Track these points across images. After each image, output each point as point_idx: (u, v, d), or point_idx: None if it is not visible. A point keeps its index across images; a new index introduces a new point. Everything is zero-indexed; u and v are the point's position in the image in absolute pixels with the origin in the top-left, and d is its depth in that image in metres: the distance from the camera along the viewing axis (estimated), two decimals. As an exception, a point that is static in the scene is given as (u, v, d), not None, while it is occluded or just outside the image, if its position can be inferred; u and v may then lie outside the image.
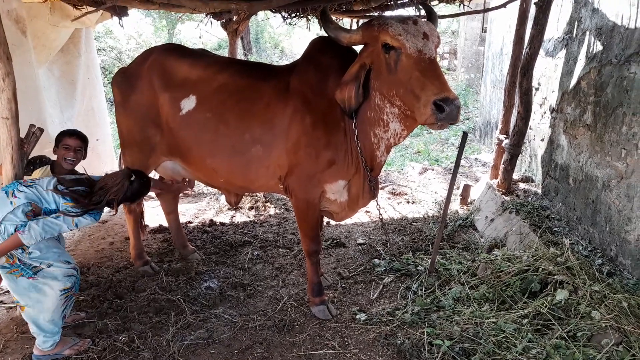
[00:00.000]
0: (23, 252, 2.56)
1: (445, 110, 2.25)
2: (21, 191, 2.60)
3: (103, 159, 5.12)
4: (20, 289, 2.60)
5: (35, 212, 2.60)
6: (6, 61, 2.52)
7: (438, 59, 2.52)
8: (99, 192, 2.71)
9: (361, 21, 3.41)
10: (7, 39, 2.51)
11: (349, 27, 4.23)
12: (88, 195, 2.70)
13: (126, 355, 2.79)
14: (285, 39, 18.25)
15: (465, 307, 3.15)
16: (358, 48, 2.77)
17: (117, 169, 4.44)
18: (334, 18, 4.46)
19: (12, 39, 2.67)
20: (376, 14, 4.37)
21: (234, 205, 3.68)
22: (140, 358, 2.77)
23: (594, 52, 3.95)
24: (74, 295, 2.82)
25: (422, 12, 3.07)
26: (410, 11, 4.29)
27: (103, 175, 2.90)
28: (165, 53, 3.30)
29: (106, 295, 3.43)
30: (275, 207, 5.44)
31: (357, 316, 3.21)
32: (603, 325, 2.65)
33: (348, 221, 4.92)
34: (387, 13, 4.52)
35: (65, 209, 2.62)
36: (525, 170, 5.64)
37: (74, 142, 3.00)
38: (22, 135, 2.75)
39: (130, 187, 2.80)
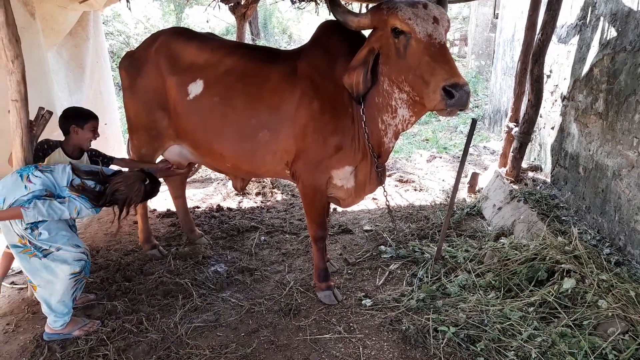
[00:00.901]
0: (32, 232, 2.59)
1: (455, 96, 2.22)
2: (37, 176, 2.60)
3: (111, 143, 5.14)
4: (32, 268, 2.66)
5: (48, 197, 2.62)
6: (15, 43, 2.52)
7: (448, 45, 2.49)
8: (112, 196, 2.71)
9: (370, 5, 3.36)
10: (15, 21, 2.50)
11: (357, 11, 4.17)
12: (100, 196, 2.70)
13: (135, 336, 2.84)
14: (294, 24, 18.07)
15: (471, 294, 3.16)
16: (367, 32, 2.74)
17: (126, 155, 4.46)
18: (342, 2, 4.41)
19: (20, 21, 2.66)
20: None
21: (241, 190, 3.69)
22: (149, 339, 2.81)
23: (608, 38, 3.87)
24: (84, 278, 2.86)
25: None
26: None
27: (116, 170, 2.92)
28: (173, 36, 3.28)
29: (115, 278, 3.48)
30: (282, 193, 5.45)
31: (363, 302, 3.23)
32: (609, 314, 2.65)
33: (354, 208, 4.92)
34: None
35: (71, 196, 2.63)
36: (534, 159, 5.59)
37: (97, 124, 3.05)
38: (32, 118, 2.76)
39: (145, 192, 2.81)
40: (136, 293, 3.30)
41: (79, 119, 2.98)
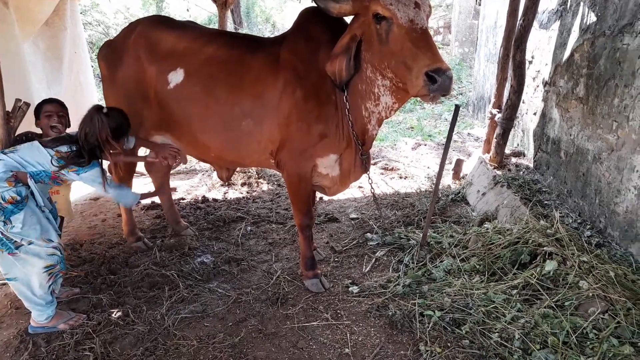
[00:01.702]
0: (5, 225, 2.54)
1: (438, 81, 2.23)
2: (0, 159, 2.53)
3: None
4: (5, 262, 2.63)
5: (18, 177, 2.56)
6: (-13, 34, 2.45)
7: (432, 32, 2.48)
8: (86, 142, 2.63)
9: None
10: (-12, 10, 2.43)
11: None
12: (80, 152, 2.63)
13: (121, 329, 2.82)
14: (277, 12, 17.89)
15: (456, 279, 3.20)
16: (349, 19, 2.72)
17: None
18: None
19: (-6, 11, 2.59)
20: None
21: (226, 180, 3.67)
22: (135, 331, 2.80)
23: (588, 23, 3.90)
24: (61, 272, 2.84)
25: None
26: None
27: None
28: (152, 25, 3.22)
29: (100, 271, 3.44)
30: (268, 183, 5.43)
31: (350, 289, 3.25)
32: (590, 294, 2.70)
33: (341, 196, 4.93)
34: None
35: (61, 163, 2.60)
36: (518, 145, 5.65)
37: (54, 107, 2.96)
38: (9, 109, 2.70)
39: (108, 119, 2.68)
40: (122, 286, 3.27)
41: (36, 110, 2.96)
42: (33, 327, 2.79)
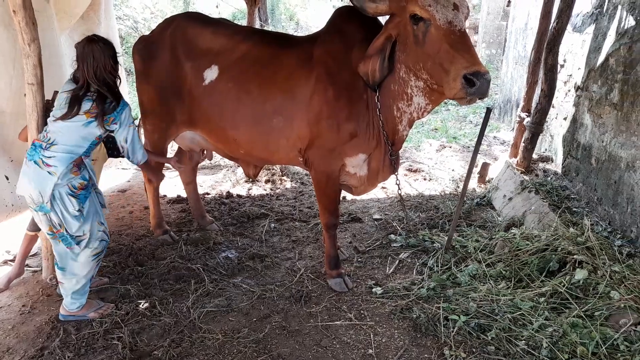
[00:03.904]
0: (77, 218, 2.60)
1: (476, 84, 2.21)
2: (50, 156, 2.54)
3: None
4: (60, 252, 2.71)
5: (77, 163, 2.62)
6: (32, 26, 2.52)
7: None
8: (97, 80, 2.55)
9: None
10: (32, 4, 2.49)
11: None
12: (100, 97, 2.56)
13: (148, 320, 2.87)
14: (301, 10, 17.93)
15: (482, 284, 3.16)
16: (384, 19, 2.71)
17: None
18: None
19: (34, 4, 2.65)
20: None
21: (253, 177, 3.69)
22: (162, 323, 2.85)
23: (625, 27, 3.80)
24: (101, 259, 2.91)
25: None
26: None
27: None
28: (188, 21, 3.26)
29: (127, 262, 3.51)
30: (291, 181, 5.45)
31: (373, 290, 3.24)
32: (622, 305, 2.65)
33: (364, 197, 4.92)
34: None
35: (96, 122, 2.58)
36: (546, 150, 5.55)
37: None
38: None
39: (105, 47, 2.60)
40: (148, 277, 3.33)
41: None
42: (64, 315, 2.85)
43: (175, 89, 3.23)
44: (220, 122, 3.13)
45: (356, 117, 2.86)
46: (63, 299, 2.85)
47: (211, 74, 3.08)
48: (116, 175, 5.40)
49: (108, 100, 2.60)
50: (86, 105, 2.57)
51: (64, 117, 2.54)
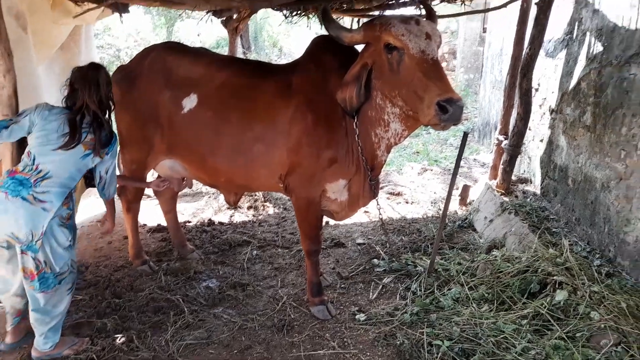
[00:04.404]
0: (69, 249, 2.53)
1: (449, 111, 2.25)
2: (43, 192, 2.40)
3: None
4: (38, 297, 2.57)
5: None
6: (7, 58, 2.51)
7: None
8: (99, 107, 2.54)
9: (362, 20, 3.40)
10: (8, 35, 2.49)
11: (350, 27, 4.20)
12: (99, 126, 2.53)
13: (125, 355, 2.78)
14: (284, 37, 18.22)
15: (465, 307, 3.15)
16: (360, 47, 2.77)
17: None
18: (335, 16, 4.45)
19: (12, 35, 2.65)
20: (377, 13, 4.36)
21: (234, 204, 3.67)
22: (139, 358, 2.76)
23: (595, 53, 3.95)
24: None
25: (422, 12, 3.06)
26: (411, 10, 4.28)
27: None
28: (166, 51, 3.28)
29: (104, 295, 3.41)
30: (274, 207, 5.43)
31: (357, 316, 3.21)
32: (602, 325, 2.66)
33: (347, 221, 4.91)
34: (388, 12, 4.51)
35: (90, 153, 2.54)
36: (524, 171, 5.64)
37: None
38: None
39: (106, 74, 2.61)
40: (126, 310, 3.24)
41: None
42: (36, 357, 2.71)
43: (154, 118, 3.23)
44: (200, 150, 3.13)
45: (335, 144, 2.88)
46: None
47: (190, 102, 3.09)
48: (95, 205, 5.31)
49: (104, 132, 2.56)
50: (85, 136, 2.52)
51: (66, 146, 2.44)
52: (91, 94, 2.52)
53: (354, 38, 2.61)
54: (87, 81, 2.54)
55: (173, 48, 3.34)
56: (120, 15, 3.18)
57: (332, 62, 2.88)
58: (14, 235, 2.38)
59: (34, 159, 2.45)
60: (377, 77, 2.63)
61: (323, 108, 2.85)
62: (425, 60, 2.36)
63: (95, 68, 2.60)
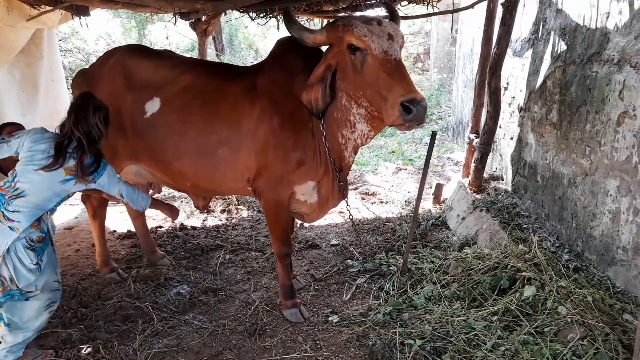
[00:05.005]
0: (32, 271, 2.42)
1: (413, 111, 2.25)
2: (14, 211, 2.35)
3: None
4: (12, 307, 2.49)
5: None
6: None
7: (413, 59, 2.52)
8: (74, 128, 2.49)
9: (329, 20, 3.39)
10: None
11: (319, 28, 4.18)
12: (82, 154, 2.49)
13: (91, 366, 2.70)
14: (260, 39, 18.11)
15: (437, 305, 3.17)
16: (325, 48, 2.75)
17: None
18: (304, 18, 4.43)
19: (-34, 39, 2.55)
20: (346, 14, 4.36)
21: (203, 209, 3.61)
22: (105, 368, 2.69)
23: (559, 51, 4.02)
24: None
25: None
26: (379, 12, 4.29)
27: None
28: (128, 54, 3.21)
29: (70, 305, 3.32)
30: (248, 210, 5.37)
31: (330, 318, 3.19)
32: (569, 320, 2.70)
33: (322, 222, 4.90)
34: (358, 13, 4.51)
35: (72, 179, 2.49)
36: (496, 169, 5.72)
37: (15, 129, 2.80)
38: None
39: (95, 104, 2.59)
40: (93, 320, 3.15)
41: None
42: None
43: (117, 122, 3.13)
44: (164, 154, 3.06)
45: (302, 145, 2.86)
46: None
47: (153, 106, 3.03)
48: (63, 211, 5.17)
49: (89, 161, 2.52)
50: (69, 162, 2.47)
51: (48, 167, 2.41)
52: (77, 121, 2.51)
53: (317, 39, 2.59)
54: (74, 108, 2.56)
55: (135, 51, 3.27)
56: (80, 19, 3.09)
57: (298, 62, 2.86)
58: None
59: (14, 177, 2.45)
60: (341, 78, 2.61)
61: (289, 109, 2.82)
62: (388, 60, 2.36)
63: (88, 96, 2.62)
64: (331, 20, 4.28)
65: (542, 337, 2.67)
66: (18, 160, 2.74)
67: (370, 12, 4.23)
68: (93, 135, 2.55)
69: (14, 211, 2.36)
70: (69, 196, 2.66)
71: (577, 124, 3.67)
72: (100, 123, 2.58)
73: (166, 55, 3.28)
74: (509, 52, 4.81)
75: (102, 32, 12.28)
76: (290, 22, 2.61)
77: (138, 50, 3.29)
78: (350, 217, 3.37)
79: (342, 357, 2.80)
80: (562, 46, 3.97)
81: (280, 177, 2.92)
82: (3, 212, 2.35)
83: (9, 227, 2.34)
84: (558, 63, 4.02)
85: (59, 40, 8.35)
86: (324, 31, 2.57)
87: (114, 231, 4.77)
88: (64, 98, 5.09)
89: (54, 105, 4.86)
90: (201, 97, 2.95)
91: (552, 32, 4.19)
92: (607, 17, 3.30)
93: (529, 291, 2.97)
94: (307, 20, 4.97)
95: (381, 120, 2.52)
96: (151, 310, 3.25)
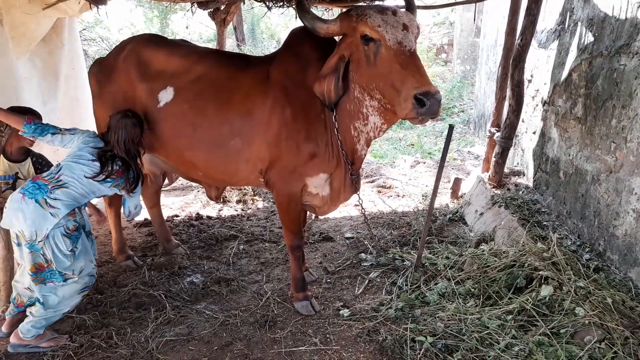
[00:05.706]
0: (67, 256, 2.64)
1: (426, 104, 2.19)
2: (56, 199, 2.58)
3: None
4: (44, 289, 2.67)
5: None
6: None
7: (435, 50, 2.45)
8: (118, 149, 2.77)
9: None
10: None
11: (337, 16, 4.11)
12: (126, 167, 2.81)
13: (103, 352, 2.75)
14: (282, 29, 18.03)
15: (450, 302, 3.11)
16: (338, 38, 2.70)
17: None
18: (322, 7, 4.36)
19: (-15, 28, 2.59)
20: (363, 3, 4.27)
21: (216, 199, 3.62)
22: (118, 355, 2.73)
23: (586, 43, 3.87)
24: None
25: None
26: (399, 1, 4.20)
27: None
28: (143, 43, 3.21)
29: (86, 291, 3.38)
30: (263, 201, 5.38)
31: (341, 312, 3.17)
32: (586, 321, 2.61)
33: (336, 215, 4.87)
34: (376, 2, 4.42)
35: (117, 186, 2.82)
36: (517, 164, 5.58)
37: (34, 117, 2.87)
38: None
39: (133, 123, 2.84)
40: (107, 306, 3.21)
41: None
42: (15, 345, 2.73)
43: (131, 111, 3.17)
44: (177, 144, 3.07)
45: (315, 137, 2.82)
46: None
47: (166, 95, 3.03)
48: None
49: (131, 173, 2.82)
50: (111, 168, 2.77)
51: (94, 177, 2.71)
52: (118, 139, 2.79)
53: (330, 29, 2.54)
54: (117, 128, 2.82)
55: (150, 40, 3.27)
56: (97, 8, 3.11)
57: (311, 53, 2.81)
58: (22, 232, 2.57)
59: (59, 170, 2.68)
60: (354, 70, 2.56)
61: (302, 101, 2.78)
62: (402, 52, 2.29)
63: (124, 116, 2.84)
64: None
65: (558, 338, 2.60)
66: (26, 151, 2.95)
67: (388, 2, 4.13)
68: (134, 153, 2.84)
69: (55, 199, 2.58)
70: (101, 196, 2.95)
71: (602, 118, 3.53)
72: (140, 141, 2.90)
73: (180, 45, 3.28)
74: (534, 43, 4.65)
75: (126, 21, 12.42)
76: (303, 12, 2.56)
77: (152, 40, 3.29)
78: (363, 210, 3.32)
79: (351, 352, 2.78)
80: (589, 37, 3.81)
81: (292, 169, 2.90)
82: (46, 199, 2.57)
83: (50, 213, 2.56)
84: (584, 55, 3.87)
85: (83, 30, 8.48)
86: (337, 21, 2.51)
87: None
88: (85, 86, 5.14)
89: (74, 94, 4.92)
90: (214, 87, 2.94)
91: (579, 23, 4.03)
92: (639, 8, 3.14)
93: (545, 291, 2.89)
94: (325, 10, 4.91)
95: (394, 113, 2.46)
96: (164, 298, 3.28)
